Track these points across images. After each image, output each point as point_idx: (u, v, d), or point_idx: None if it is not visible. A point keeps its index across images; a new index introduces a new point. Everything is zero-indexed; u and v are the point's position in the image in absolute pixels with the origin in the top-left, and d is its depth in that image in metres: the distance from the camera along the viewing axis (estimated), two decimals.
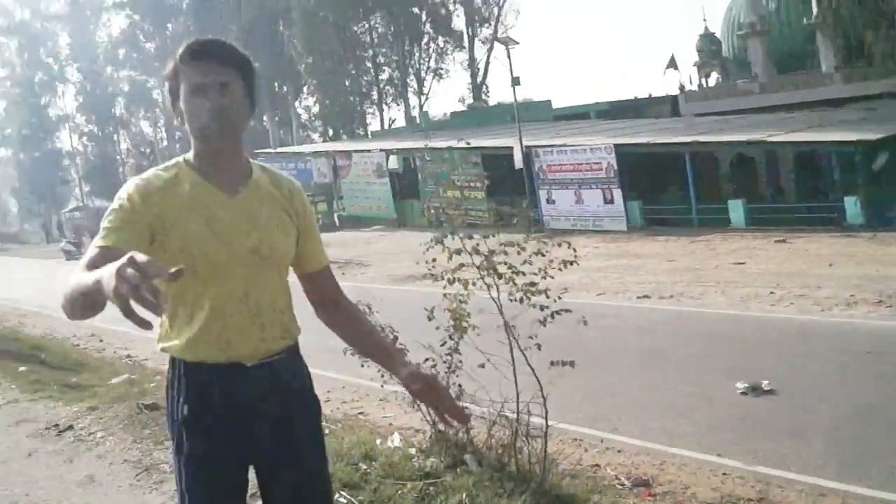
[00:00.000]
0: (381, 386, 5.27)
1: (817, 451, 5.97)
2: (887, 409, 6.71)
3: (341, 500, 4.00)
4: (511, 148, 23.81)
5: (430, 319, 4.76)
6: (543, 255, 4.61)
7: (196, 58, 2.06)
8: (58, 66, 65.42)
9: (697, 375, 8.05)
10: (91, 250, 1.93)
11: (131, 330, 8.87)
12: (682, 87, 33.47)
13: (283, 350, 2.20)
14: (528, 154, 23.77)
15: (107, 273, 1.56)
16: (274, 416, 2.12)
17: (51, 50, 64.83)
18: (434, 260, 4.68)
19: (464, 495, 3.95)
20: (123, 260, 1.52)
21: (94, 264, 1.80)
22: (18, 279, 25.59)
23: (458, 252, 4.62)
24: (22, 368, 8.55)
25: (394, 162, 29.29)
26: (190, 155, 2.16)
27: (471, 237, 4.66)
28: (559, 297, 4.56)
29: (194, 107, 2.05)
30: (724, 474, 5.67)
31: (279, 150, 40.05)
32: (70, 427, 5.91)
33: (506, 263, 4.60)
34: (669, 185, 23.94)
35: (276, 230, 2.16)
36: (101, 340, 12.69)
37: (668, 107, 33.61)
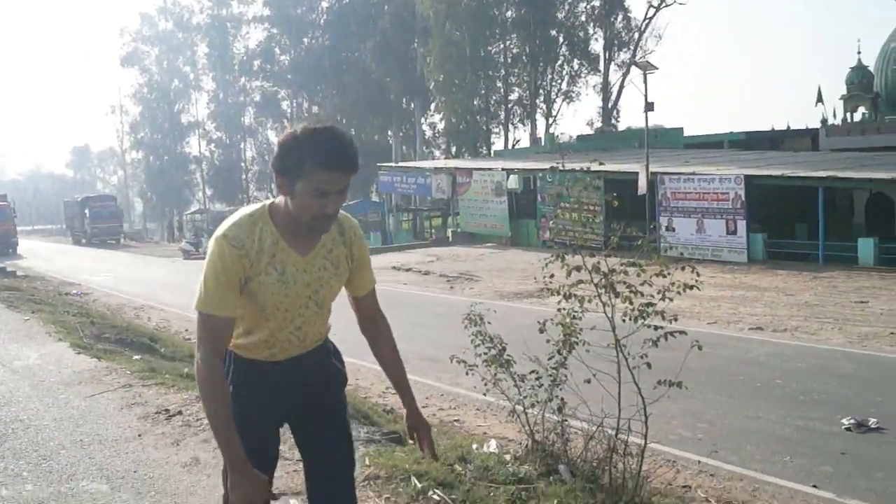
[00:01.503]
0: (484, 394, 5.50)
1: None
2: None
3: (434, 496, 4.20)
4: (636, 173, 23.77)
5: (541, 332, 4.91)
6: (665, 276, 4.64)
7: (330, 168, 2.30)
8: (194, 75, 67.93)
9: (803, 409, 8.09)
10: (206, 320, 2.40)
11: None
12: (824, 120, 32.31)
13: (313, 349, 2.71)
14: (653, 180, 23.68)
15: (239, 481, 2.31)
16: (300, 386, 2.65)
17: (189, 59, 67.21)
18: (552, 276, 4.74)
19: (555, 502, 4.06)
20: (254, 498, 2.30)
21: (215, 336, 2.40)
22: (138, 275, 27.02)
23: (578, 269, 4.68)
24: (136, 357, 8.92)
25: (514, 182, 29.54)
26: (275, 210, 2.44)
27: (592, 255, 4.76)
28: (673, 320, 4.62)
29: (312, 206, 2.33)
30: None
31: (401, 164, 40.97)
32: (179, 412, 6.08)
33: (624, 283, 4.68)
34: (798, 219, 23.32)
35: (333, 281, 2.60)
36: None
37: (807, 140, 32.48)
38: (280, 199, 2.45)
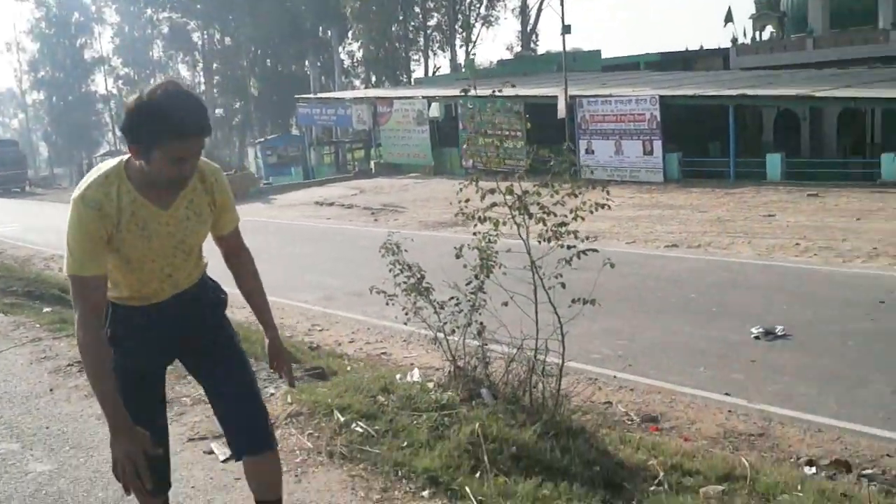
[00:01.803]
0: (405, 324, 5.45)
1: (819, 392, 6.33)
2: (889, 354, 7.06)
3: (357, 429, 4.21)
4: (556, 97, 23.84)
5: (458, 257, 4.86)
6: (576, 196, 4.65)
7: (183, 134, 2.30)
8: (95, 7, 64.76)
9: (716, 321, 8.39)
10: (77, 283, 2.42)
11: None
12: (734, 40, 32.74)
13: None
14: (571, 104, 23.82)
15: (119, 439, 2.38)
16: (182, 320, 2.69)
17: None
18: (468, 200, 4.74)
19: (476, 425, 4.07)
20: (134, 454, 2.35)
21: (88, 295, 2.41)
22: (46, 224, 26.08)
23: (492, 192, 4.69)
24: (46, 309, 8.63)
25: (435, 110, 29.31)
26: (131, 167, 2.42)
27: (506, 178, 4.74)
28: (588, 239, 4.65)
29: (170, 171, 2.35)
30: (730, 412, 6.04)
31: (319, 95, 40.22)
32: None
33: (538, 204, 4.70)
34: (711, 138, 23.86)
35: (198, 228, 2.61)
36: None
37: (719, 60, 32.96)
38: None
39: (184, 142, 2.31)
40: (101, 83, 67.59)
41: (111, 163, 2.48)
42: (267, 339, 2.87)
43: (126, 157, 2.44)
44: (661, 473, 4.16)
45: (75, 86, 66.77)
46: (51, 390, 5.40)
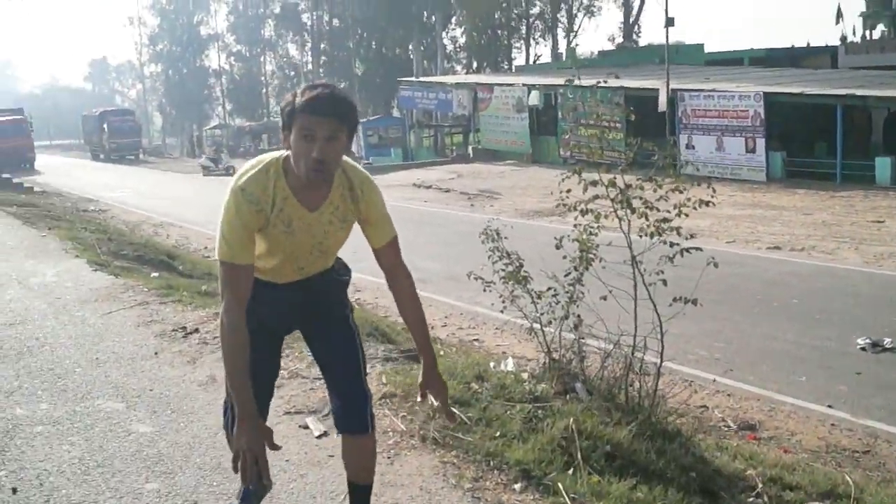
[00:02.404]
0: (502, 311, 5.43)
1: None
2: None
3: None
4: (657, 90, 23.37)
5: (558, 248, 4.83)
6: (681, 192, 4.56)
7: (314, 112, 2.39)
8: None
9: (819, 328, 8.06)
10: (228, 269, 2.52)
11: None
12: (843, 38, 31.40)
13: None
14: (673, 97, 23.29)
15: (245, 432, 2.43)
16: (304, 297, 2.79)
17: None
18: (569, 191, 4.66)
19: (571, 420, 4.00)
20: (256, 450, 2.41)
21: (238, 283, 2.52)
22: (157, 192, 27.07)
23: (594, 184, 4.61)
24: (154, 274, 8.88)
25: (535, 98, 29.10)
26: (288, 165, 2.52)
27: (607, 171, 4.67)
28: (690, 237, 4.57)
29: (302, 150, 2.42)
30: (833, 425, 5.79)
31: (422, 79, 40.41)
32: (196, 330, 6.03)
33: (641, 198, 4.61)
34: (817, 138, 22.96)
35: (338, 232, 2.68)
36: None
37: (826, 58, 31.66)
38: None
39: (313, 116, 2.38)
40: (214, 59, 69.90)
41: (272, 156, 2.58)
42: (422, 366, 2.83)
43: (286, 153, 2.53)
44: (760, 485, 4.02)
45: (190, 60, 69.18)
46: (156, 353, 5.55)
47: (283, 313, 2.82)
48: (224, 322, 2.51)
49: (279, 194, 2.52)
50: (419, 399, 2.95)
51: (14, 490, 3.51)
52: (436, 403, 2.94)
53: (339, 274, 2.92)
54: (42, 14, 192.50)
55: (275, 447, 2.54)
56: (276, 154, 2.58)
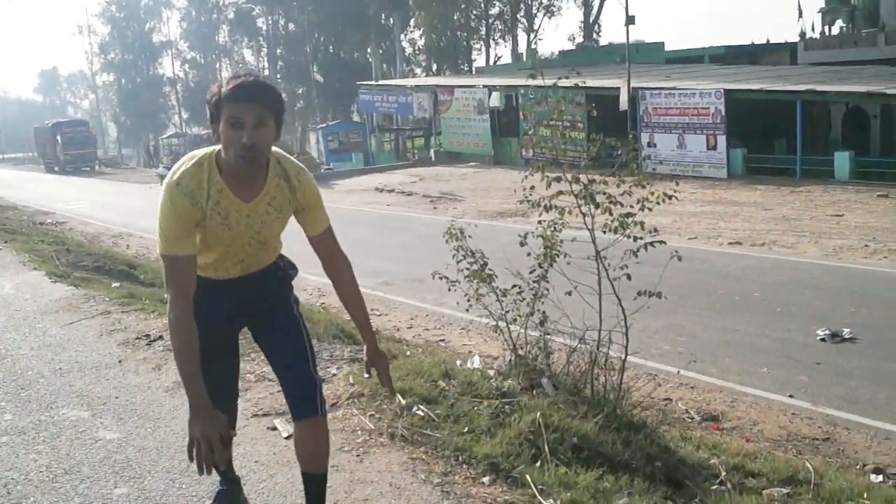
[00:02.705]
0: (467, 310, 5.39)
1: (887, 397, 6.16)
2: None
3: (419, 412, 4.21)
4: (618, 89, 23.56)
5: (522, 245, 4.87)
6: (644, 188, 4.63)
7: (239, 99, 2.45)
8: None
9: (780, 321, 8.22)
10: (170, 262, 2.57)
11: None
12: (802, 34, 31.90)
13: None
14: (634, 95, 23.52)
15: (198, 420, 2.46)
16: (248, 293, 2.85)
17: None
18: (532, 187, 4.74)
19: (537, 414, 4.05)
20: (210, 435, 2.43)
21: (181, 275, 2.56)
22: (114, 203, 26.72)
23: (558, 180, 4.68)
24: (115, 284, 8.78)
25: (496, 99, 29.20)
26: (220, 158, 2.58)
27: (571, 169, 4.72)
28: (653, 232, 4.60)
29: (231, 137, 2.47)
30: (794, 414, 5.93)
31: (381, 82, 40.38)
32: (160, 337, 5.97)
33: (604, 193, 4.67)
34: (777, 135, 23.34)
35: (275, 222, 2.73)
36: None
37: (786, 54, 32.20)
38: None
39: (239, 103, 2.44)
40: (168, 66, 68.86)
41: (204, 151, 2.62)
42: (365, 345, 2.94)
43: (218, 147, 2.58)
44: (723, 473, 4.10)
45: (143, 68, 68.07)
46: (119, 361, 5.51)
47: (230, 310, 2.87)
48: (171, 315, 2.56)
49: (213, 187, 2.57)
50: (366, 375, 3.07)
51: None
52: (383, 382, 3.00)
53: (284, 269, 2.98)
54: None
55: (229, 434, 2.57)
56: (208, 149, 2.62)
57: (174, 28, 67.97)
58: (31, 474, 3.72)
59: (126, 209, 23.73)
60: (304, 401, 2.81)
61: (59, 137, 50.62)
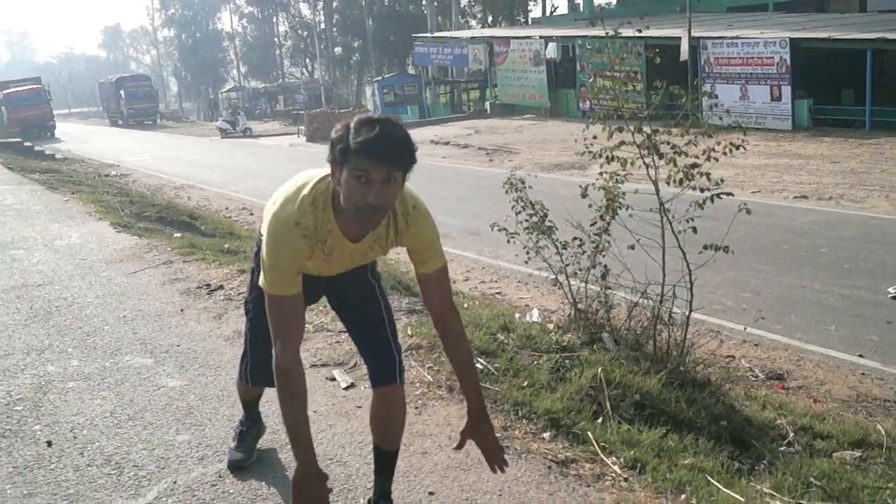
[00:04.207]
0: (526, 262, 5.32)
1: None
2: None
3: (478, 365, 4.11)
4: (678, 38, 22.94)
5: (584, 196, 4.79)
6: (710, 137, 4.39)
7: (370, 155, 2.19)
8: None
9: (848, 278, 7.95)
10: (278, 302, 2.42)
11: None
12: None
13: None
14: (695, 45, 22.86)
15: (307, 484, 2.38)
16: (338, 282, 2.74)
17: None
18: (595, 137, 4.53)
19: (599, 370, 3.96)
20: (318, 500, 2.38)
21: (290, 319, 2.43)
22: (176, 155, 27.11)
23: (620, 130, 4.48)
24: (177, 235, 8.88)
25: (552, 50, 28.71)
26: (336, 197, 2.35)
27: (635, 117, 4.56)
28: (720, 182, 4.42)
29: (355, 192, 2.23)
30: (863, 374, 5.71)
31: (436, 34, 39.96)
32: (220, 287, 6.05)
33: (668, 143, 4.48)
34: (845, 85, 22.50)
35: (378, 253, 2.61)
36: (251, 213, 13.55)
37: (855, 1, 31.05)
38: None
39: (369, 159, 2.20)
40: (227, 21, 69.83)
41: (314, 183, 2.43)
42: (467, 410, 2.66)
43: (329, 179, 2.38)
44: (791, 434, 3.98)
45: (203, 23, 69.17)
46: (181, 310, 5.58)
47: (309, 293, 2.68)
48: (280, 367, 2.40)
49: (325, 227, 2.41)
50: (455, 448, 2.74)
51: (49, 443, 3.55)
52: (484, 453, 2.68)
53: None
54: None
55: (329, 492, 2.48)
56: (317, 178, 2.44)
57: None
58: (97, 419, 3.79)
59: (187, 162, 24.12)
60: (384, 369, 2.73)
61: (122, 92, 51.88)
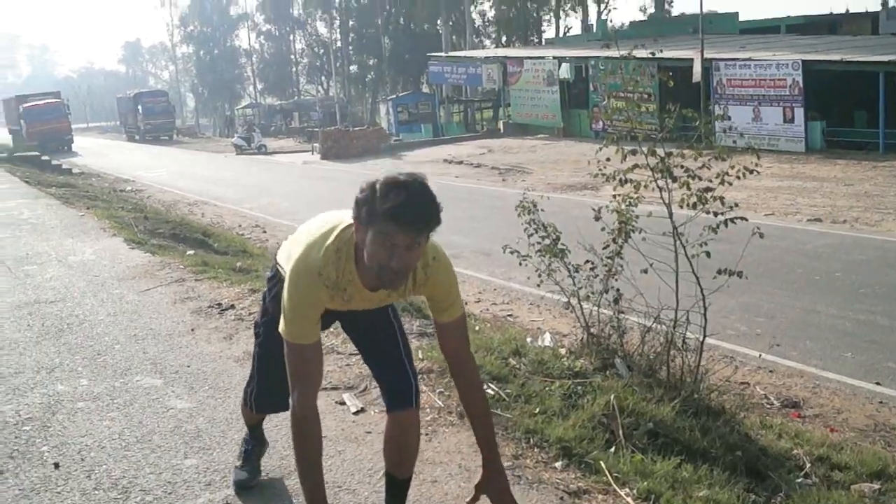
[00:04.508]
0: (538, 286, 5.30)
1: None
2: None
3: (489, 391, 4.09)
4: (690, 60, 22.95)
5: (597, 219, 4.77)
6: (724, 160, 4.36)
7: (398, 223, 2.17)
8: None
9: (864, 302, 7.86)
10: (298, 351, 2.40)
11: (294, 223, 9.61)
12: (884, 3, 30.68)
13: None
14: (707, 67, 22.86)
15: None
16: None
17: None
18: (608, 160, 4.51)
19: (612, 397, 3.91)
20: None
21: (309, 367, 2.42)
22: (191, 171, 27.28)
23: (634, 153, 4.45)
24: (189, 252, 8.93)
25: (565, 70, 28.77)
26: (357, 249, 2.34)
27: (648, 138, 4.56)
28: (734, 207, 4.39)
29: (380, 256, 2.22)
30: (881, 403, 5.63)
31: (451, 54, 40.13)
32: (231, 306, 6.04)
33: (682, 167, 4.46)
34: (857, 107, 22.44)
35: (395, 297, 2.59)
36: (264, 231, 13.61)
37: (867, 23, 31.00)
38: None
39: (397, 227, 2.18)
40: (244, 38, 70.32)
41: (344, 234, 2.40)
42: (483, 463, 2.61)
43: (352, 231, 2.36)
44: (808, 465, 3.91)
45: (221, 40, 70.00)
46: (192, 330, 5.56)
47: (322, 320, 2.65)
48: (297, 416, 2.41)
49: (346, 276, 2.41)
50: (468, 503, 2.66)
51: (56, 465, 3.52)
52: None
53: None
54: None
55: None
56: (342, 226, 2.41)
57: (251, 1, 69.03)
58: (105, 441, 3.77)
59: (202, 178, 24.24)
60: (399, 392, 2.70)
61: (139, 107, 52.31)
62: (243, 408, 3.25)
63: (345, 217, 2.41)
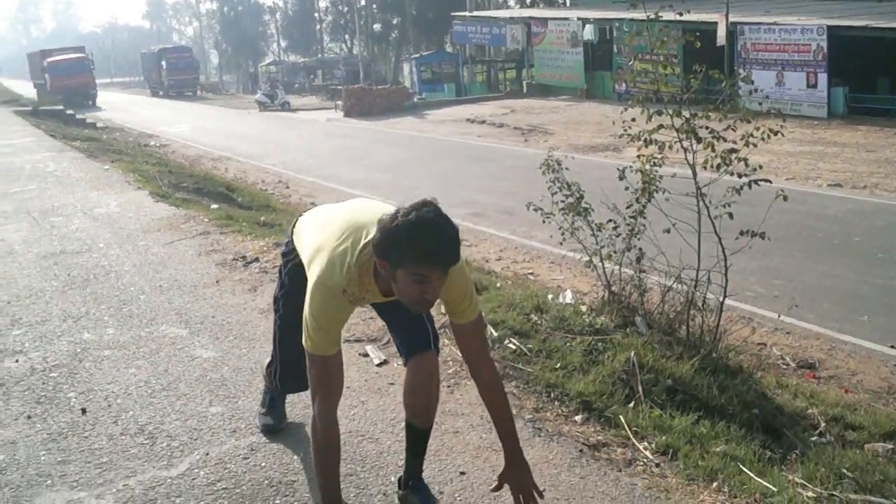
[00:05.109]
0: (561, 244, 5.35)
1: None
2: None
3: (510, 345, 4.19)
4: (715, 23, 22.63)
5: (621, 178, 4.78)
6: (749, 122, 4.37)
7: (431, 263, 2.23)
8: None
9: (882, 267, 7.82)
10: (321, 363, 2.44)
11: (317, 179, 9.67)
12: None
13: None
14: (731, 30, 22.53)
15: None
16: None
17: None
18: (633, 120, 4.50)
19: (632, 353, 3.96)
20: None
21: (331, 378, 2.47)
22: (214, 127, 27.36)
23: (659, 113, 4.46)
24: (214, 206, 9.02)
25: (589, 32, 28.42)
26: (376, 267, 2.37)
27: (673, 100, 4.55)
28: (758, 168, 4.39)
29: (412, 290, 2.27)
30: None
31: (475, 14, 39.71)
32: (256, 259, 6.11)
33: (706, 128, 4.45)
34: (881, 73, 22.06)
35: None
36: (287, 187, 13.62)
37: None
38: None
39: (429, 267, 2.25)
40: None
41: (363, 255, 2.41)
42: (504, 455, 2.65)
43: (370, 248, 2.38)
44: (823, 424, 3.95)
45: None
46: (217, 281, 5.64)
47: None
48: (317, 427, 2.46)
49: (367, 288, 2.46)
50: (492, 490, 2.72)
51: (84, 410, 3.62)
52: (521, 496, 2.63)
53: None
54: None
55: None
56: (361, 244, 2.42)
57: None
58: (131, 388, 3.86)
59: (225, 133, 24.30)
60: (417, 338, 2.73)
61: (163, 63, 52.39)
62: (266, 379, 3.36)
63: (365, 230, 2.43)
